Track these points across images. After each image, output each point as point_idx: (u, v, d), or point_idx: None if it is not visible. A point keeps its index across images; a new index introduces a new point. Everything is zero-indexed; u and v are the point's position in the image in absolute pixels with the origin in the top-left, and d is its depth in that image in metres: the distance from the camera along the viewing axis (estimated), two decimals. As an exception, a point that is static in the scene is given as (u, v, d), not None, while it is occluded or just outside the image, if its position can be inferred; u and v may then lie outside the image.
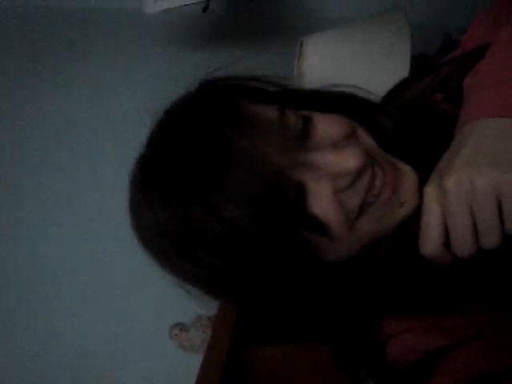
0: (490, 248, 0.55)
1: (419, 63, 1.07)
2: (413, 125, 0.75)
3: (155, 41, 1.56)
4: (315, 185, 0.61)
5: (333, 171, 0.61)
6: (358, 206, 0.63)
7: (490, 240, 0.54)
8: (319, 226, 0.62)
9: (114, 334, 1.11)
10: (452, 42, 1.12)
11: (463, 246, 0.55)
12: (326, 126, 0.63)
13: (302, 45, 1.14)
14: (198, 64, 1.44)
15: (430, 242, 0.57)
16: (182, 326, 1.03)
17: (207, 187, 0.58)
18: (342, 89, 0.77)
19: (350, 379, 0.75)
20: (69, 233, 1.25)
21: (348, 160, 0.61)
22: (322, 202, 0.61)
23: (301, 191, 0.60)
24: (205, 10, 1.37)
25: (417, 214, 0.64)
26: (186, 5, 1.29)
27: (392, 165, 0.65)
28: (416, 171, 0.66)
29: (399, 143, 0.71)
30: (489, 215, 0.53)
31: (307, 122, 0.63)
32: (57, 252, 1.23)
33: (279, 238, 0.60)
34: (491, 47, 0.66)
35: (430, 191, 0.58)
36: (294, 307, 0.67)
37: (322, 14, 1.50)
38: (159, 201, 0.61)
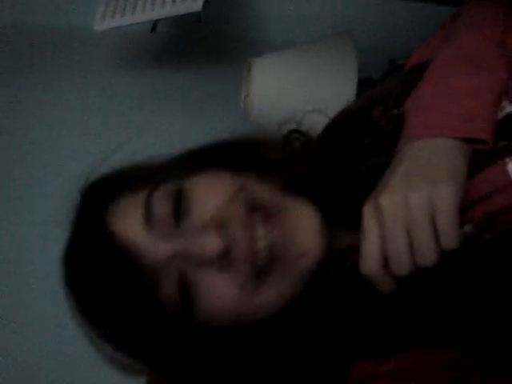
0: (427, 266, 0.54)
1: (365, 87, 1.09)
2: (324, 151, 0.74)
3: (103, 59, 1.55)
4: (196, 273, 0.60)
5: (200, 259, 0.59)
6: (251, 274, 0.60)
7: (426, 257, 0.54)
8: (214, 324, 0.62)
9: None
10: (397, 67, 1.14)
11: (400, 263, 0.55)
12: (204, 201, 0.62)
13: (249, 66, 1.14)
14: (144, 84, 1.46)
15: (368, 262, 0.56)
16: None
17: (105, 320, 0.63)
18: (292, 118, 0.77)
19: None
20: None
21: (206, 247, 0.59)
22: (210, 290, 0.60)
23: (186, 285, 0.60)
24: (153, 29, 1.37)
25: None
26: (134, 23, 1.28)
27: (282, 211, 0.62)
28: (321, 211, 0.63)
29: (297, 179, 0.69)
30: (423, 231, 0.53)
31: (178, 202, 0.61)
32: None
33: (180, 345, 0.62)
34: (432, 64, 0.67)
35: (367, 210, 0.57)
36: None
37: (271, 36, 1.51)
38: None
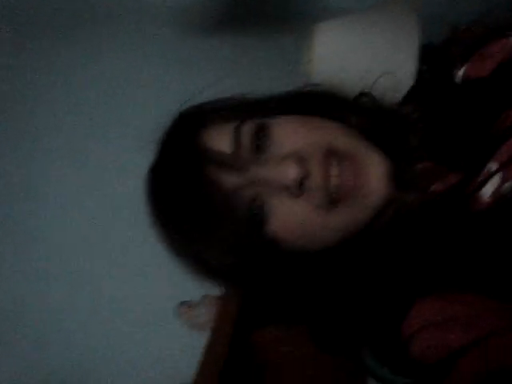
0: None
1: (427, 52, 1.08)
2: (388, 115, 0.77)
3: (167, 22, 1.57)
4: (273, 198, 0.66)
5: (279, 183, 0.65)
6: (324, 201, 0.66)
7: None
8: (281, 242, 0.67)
9: (121, 311, 1.13)
10: (459, 34, 1.13)
11: None
12: (282, 138, 0.69)
13: (312, 32, 1.15)
14: (207, 48, 1.47)
15: None
16: (189, 304, 1.05)
17: (189, 225, 0.69)
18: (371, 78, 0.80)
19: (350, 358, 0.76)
20: (82, 217, 1.26)
21: (287, 173, 0.65)
22: (284, 213, 0.67)
23: (263, 211, 0.67)
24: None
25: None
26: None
27: (355, 157, 0.67)
28: (389, 158, 0.69)
29: (373, 130, 0.73)
30: None
31: (262, 136, 0.68)
32: (69, 234, 1.25)
33: (257, 257, 0.68)
34: None
35: None
36: (297, 296, 0.70)
37: (332, 2, 1.50)
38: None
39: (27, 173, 1.38)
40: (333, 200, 0.66)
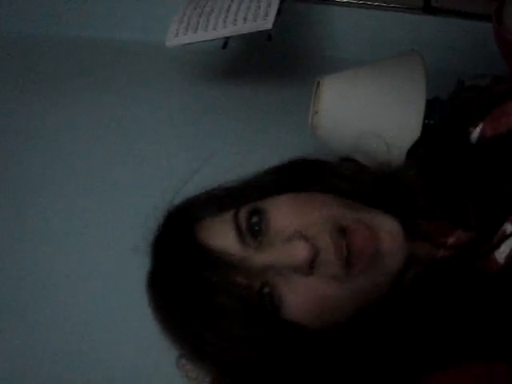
0: None
1: (433, 107, 1.09)
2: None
3: (174, 75, 1.58)
4: (282, 281, 0.64)
5: (289, 266, 0.63)
6: (339, 268, 0.63)
7: None
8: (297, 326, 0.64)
9: (123, 361, 1.12)
10: (465, 88, 1.14)
11: None
12: (280, 220, 0.66)
13: (318, 85, 1.16)
14: (214, 100, 1.48)
15: None
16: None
17: (197, 327, 0.66)
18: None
19: None
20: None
21: (296, 253, 0.62)
22: (294, 298, 0.64)
23: (274, 298, 0.64)
24: (224, 46, 1.40)
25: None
26: (205, 41, 1.32)
27: (364, 223, 0.65)
28: (398, 218, 0.67)
29: (370, 194, 0.72)
30: None
31: (259, 221, 0.67)
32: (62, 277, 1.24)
33: (271, 345, 0.64)
34: None
35: None
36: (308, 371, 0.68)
37: (340, 54, 1.52)
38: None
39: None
40: (349, 265, 0.63)
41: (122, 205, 1.27)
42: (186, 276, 0.67)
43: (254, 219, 0.67)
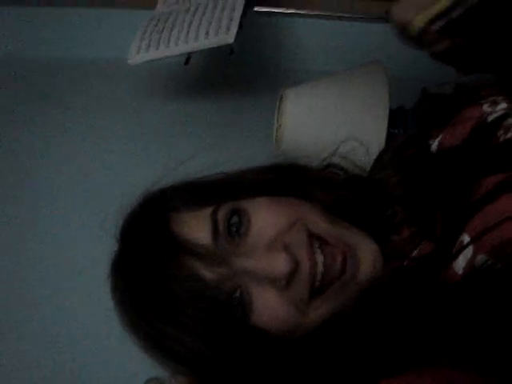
0: None
1: (397, 116, 1.09)
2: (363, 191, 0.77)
3: (136, 91, 1.57)
4: (256, 289, 0.64)
5: (267, 276, 0.63)
6: (307, 294, 0.64)
7: None
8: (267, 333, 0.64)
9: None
10: (430, 97, 1.14)
11: None
12: (261, 224, 0.66)
13: (281, 97, 1.16)
14: (178, 115, 1.47)
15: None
16: (156, 381, 1.01)
17: (157, 318, 0.65)
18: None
19: None
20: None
21: (278, 266, 0.62)
22: (267, 307, 0.64)
23: (243, 303, 0.64)
24: (187, 62, 1.38)
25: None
26: (167, 57, 1.30)
27: (343, 242, 0.66)
28: (373, 235, 0.68)
29: (349, 207, 0.72)
30: None
31: (239, 221, 0.66)
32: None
33: (232, 348, 0.64)
34: None
35: None
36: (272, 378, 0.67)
37: (302, 66, 1.52)
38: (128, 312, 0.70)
39: None
40: (316, 291, 0.64)
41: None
42: (152, 262, 0.66)
43: (234, 219, 0.66)
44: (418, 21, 0.64)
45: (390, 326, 0.63)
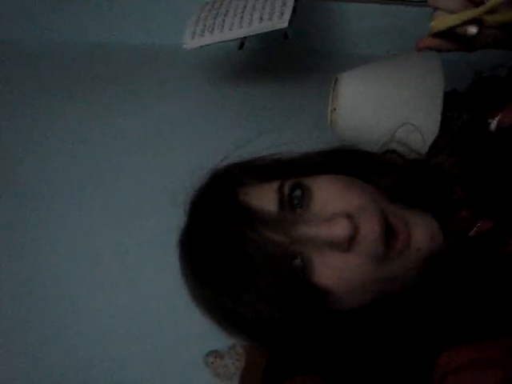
0: None
1: (451, 99, 1.09)
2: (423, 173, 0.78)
3: (191, 76, 1.60)
4: (317, 255, 0.66)
5: (327, 241, 0.65)
6: (371, 259, 0.66)
7: None
8: (326, 295, 0.66)
9: (150, 360, 1.13)
10: (483, 80, 1.13)
11: None
12: (325, 200, 0.68)
13: (335, 81, 1.17)
14: (233, 100, 1.49)
15: None
16: (216, 354, 1.04)
17: (228, 283, 0.68)
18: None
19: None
20: (108, 263, 1.27)
21: (336, 231, 0.64)
22: (328, 272, 0.66)
23: (304, 265, 0.66)
24: (241, 47, 1.41)
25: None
26: (222, 41, 1.32)
27: (401, 219, 0.67)
28: (432, 214, 0.70)
29: (408, 190, 0.73)
30: None
31: (304, 195, 0.69)
32: (94, 281, 1.26)
33: (299, 314, 0.67)
34: None
35: None
36: (330, 348, 0.69)
37: (356, 50, 1.52)
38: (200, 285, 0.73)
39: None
40: (389, 246, 0.66)
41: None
42: (223, 230, 0.69)
43: (297, 192, 0.69)
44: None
45: (452, 297, 0.65)
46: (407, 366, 0.67)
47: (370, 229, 0.65)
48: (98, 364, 1.15)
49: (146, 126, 1.52)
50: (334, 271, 0.66)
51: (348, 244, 0.64)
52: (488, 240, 0.68)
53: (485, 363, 0.61)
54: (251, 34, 1.29)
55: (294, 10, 1.25)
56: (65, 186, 1.44)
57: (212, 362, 1.04)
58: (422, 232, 0.67)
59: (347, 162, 0.77)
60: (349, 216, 0.65)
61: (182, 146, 1.43)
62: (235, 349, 1.03)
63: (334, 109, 1.15)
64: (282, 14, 1.25)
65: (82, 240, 1.33)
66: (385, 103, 1.10)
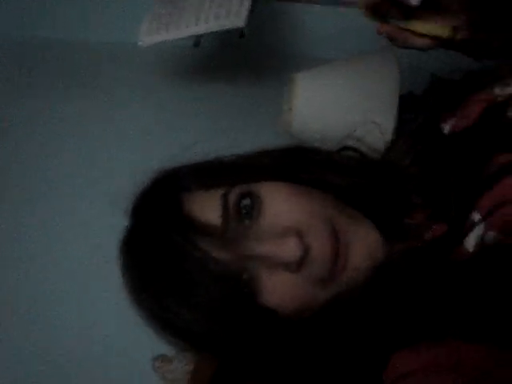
0: None
1: (407, 102, 1.09)
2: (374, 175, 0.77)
3: (145, 74, 1.57)
4: (265, 272, 0.64)
5: (275, 262, 0.63)
6: (327, 274, 0.64)
7: None
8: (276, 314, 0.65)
9: (95, 365, 1.11)
10: (439, 82, 1.14)
11: None
12: (276, 210, 0.66)
13: (291, 81, 1.16)
14: (187, 98, 1.47)
15: None
16: (164, 358, 1.02)
17: (167, 297, 0.66)
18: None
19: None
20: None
21: (287, 251, 0.62)
22: (276, 291, 0.64)
23: (252, 285, 0.64)
24: (196, 44, 1.39)
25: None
26: (177, 39, 1.30)
27: (345, 233, 0.66)
28: (378, 223, 0.68)
29: (361, 192, 0.72)
30: None
31: (252, 205, 0.66)
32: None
33: (239, 329, 0.65)
34: None
35: None
36: (278, 357, 0.68)
37: (313, 51, 1.51)
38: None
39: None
40: (335, 270, 0.64)
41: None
42: (163, 240, 0.66)
43: (245, 202, 0.66)
44: None
45: (401, 303, 0.64)
46: (355, 370, 0.66)
47: (320, 249, 0.63)
48: (42, 370, 1.12)
49: (96, 122, 1.49)
50: (282, 291, 0.64)
51: (298, 265, 0.62)
52: (441, 244, 0.67)
53: (435, 368, 0.59)
54: (207, 31, 1.27)
55: (252, 10, 1.24)
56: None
57: (159, 367, 1.01)
58: (360, 249, 0.66)
59: (301, 162, 0.75)
60: (299, 233, 0.63)
61: (131, 146, 1.40)
62: (184, 353, 1.00)
63: (289, 109, 1.13)
64: (239, 13, 1.23)
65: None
66: (339, 103, 1.10)
